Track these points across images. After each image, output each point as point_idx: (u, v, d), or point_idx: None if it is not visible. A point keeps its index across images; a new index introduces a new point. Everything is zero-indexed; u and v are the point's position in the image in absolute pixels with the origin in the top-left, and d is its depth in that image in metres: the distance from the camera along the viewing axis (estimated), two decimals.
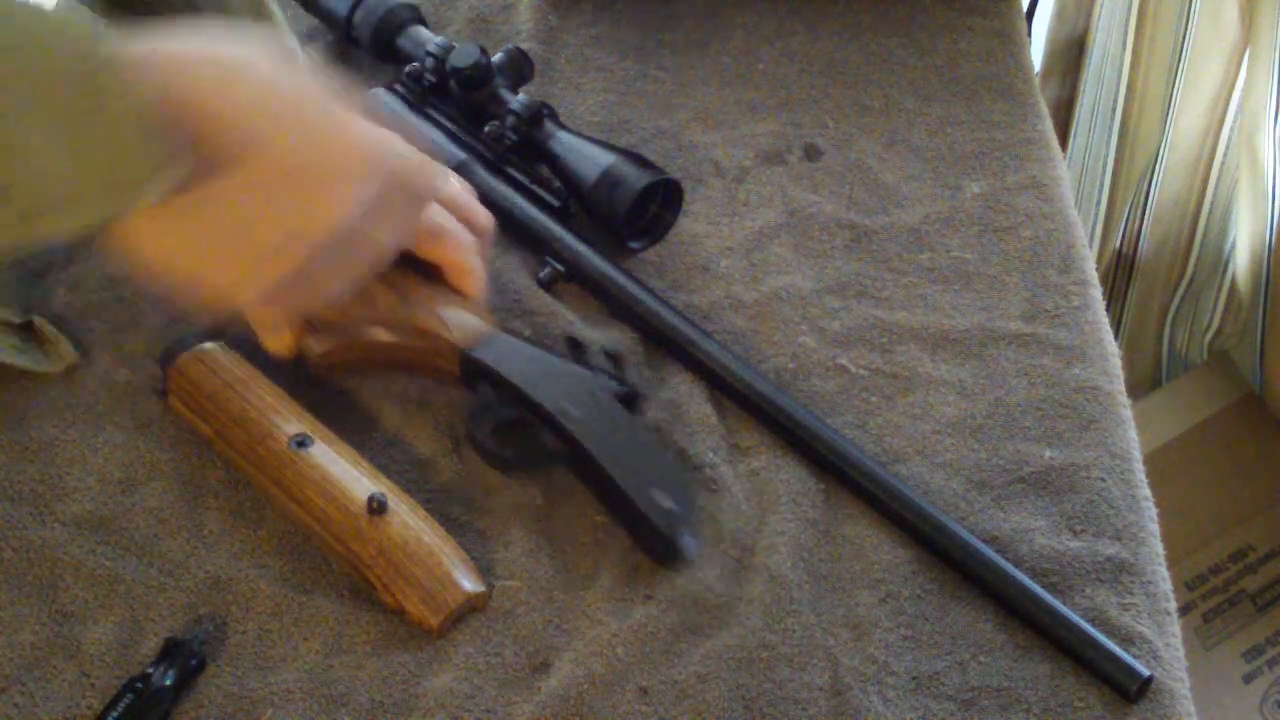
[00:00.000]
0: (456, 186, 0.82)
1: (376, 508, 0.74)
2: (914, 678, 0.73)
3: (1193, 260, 1.49)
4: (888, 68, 1.08)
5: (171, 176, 0.61)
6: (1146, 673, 0.72)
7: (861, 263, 0.94)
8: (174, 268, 0.67)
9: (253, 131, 0.64)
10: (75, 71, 0.56)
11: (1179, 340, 1.55)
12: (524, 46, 0.98)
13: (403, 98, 0.96)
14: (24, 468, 0.80)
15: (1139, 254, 1.50)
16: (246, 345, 0.82)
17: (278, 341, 0.80)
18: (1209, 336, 1.49)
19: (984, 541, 0.77)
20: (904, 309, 0.91)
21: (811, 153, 1.01)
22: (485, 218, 0.83)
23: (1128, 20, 1.37)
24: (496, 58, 0.94)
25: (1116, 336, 0.93)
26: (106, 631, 0.73)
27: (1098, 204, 1.51)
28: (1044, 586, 0.76)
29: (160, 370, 0.82)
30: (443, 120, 0.95)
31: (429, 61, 0.95)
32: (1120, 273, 1.54)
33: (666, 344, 0.86)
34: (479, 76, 0.93)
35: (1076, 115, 1.53)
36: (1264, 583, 1.43)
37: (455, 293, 0.82)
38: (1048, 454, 0.83)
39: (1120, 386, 0.88)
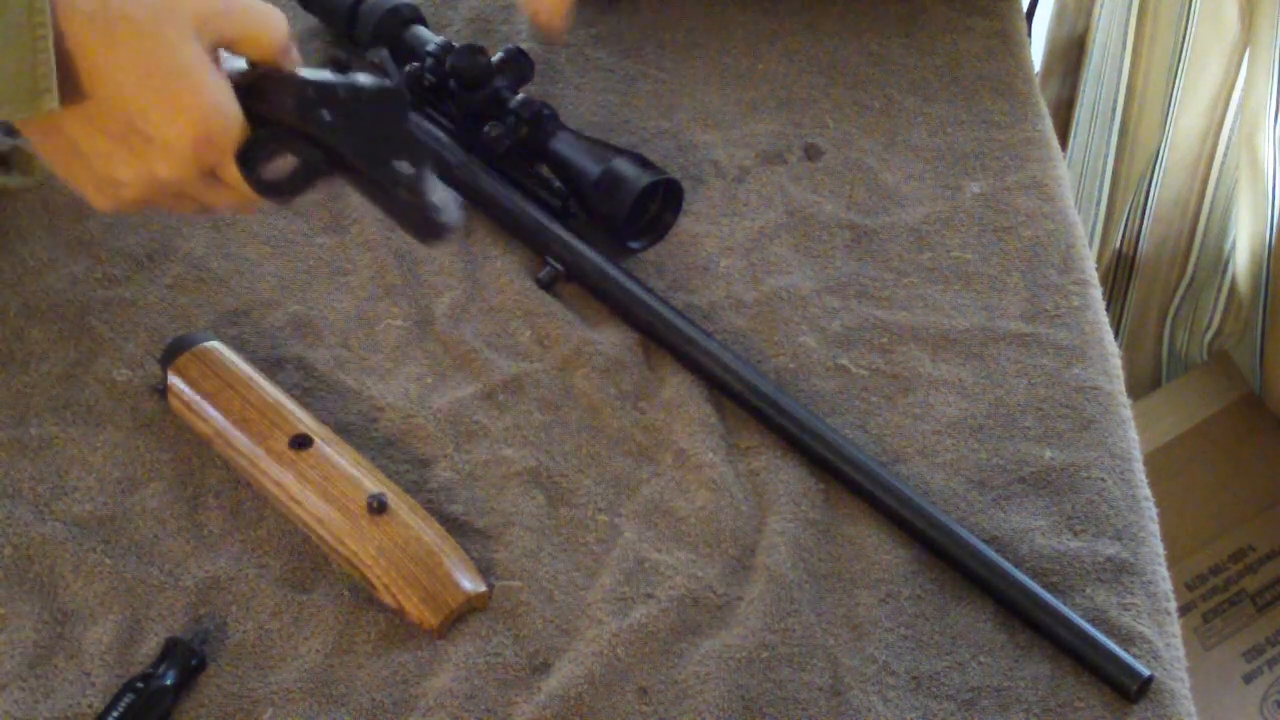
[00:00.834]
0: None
1: (376, 508, 0.75)
2: (914, 677, 0.73)
3: (1193, 260, 1.48)
4: (888, 68, 1.08)
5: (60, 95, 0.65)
6: (1147, 673, 0.72)
7: (861, 263, 0.94)
8: (57, 170, 0.72)
9: (98, 68, 0.67)
10: None
11: (1179, 340, 1.54)
12: (524, 46, 0.98)
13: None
14: (24, 466, 0.80)
15: (1139, 254, 1.50)
16: (247, 346, 0.82)
17: None
18: (1209, 336, 1.49)
19: (984, 541, 0.77)
20: (904, 309, 0.91)
21: (812, 153, 1.01)
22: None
23: (1128, 20, 1.37)
24: (496, 58, 0.94)
25: (1116, 336, 0.93)
26: (106, 631, 0.73)
27: (1098, 204, 1.51)
28: (1044, 586, 0.76)
29: (160, 370, 0.82)
30: (443, 120, 0.95)
31: (429, 61, 0.95)
32: (1120, 273, 1.54)
33: (667, 344, 0.86)
34: (479, 77, 0.93)
35: (1076, 115, 1.53)
36: (1264, 583, 1.43)
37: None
38: (1048, 454, 0.83)
39: (1120, 386, 0.88)
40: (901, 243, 0.95)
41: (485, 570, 0.76)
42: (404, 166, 0.74)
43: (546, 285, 0.89)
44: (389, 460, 0.81)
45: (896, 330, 0.90)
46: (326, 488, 0.76)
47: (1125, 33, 1.37)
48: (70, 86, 0.66)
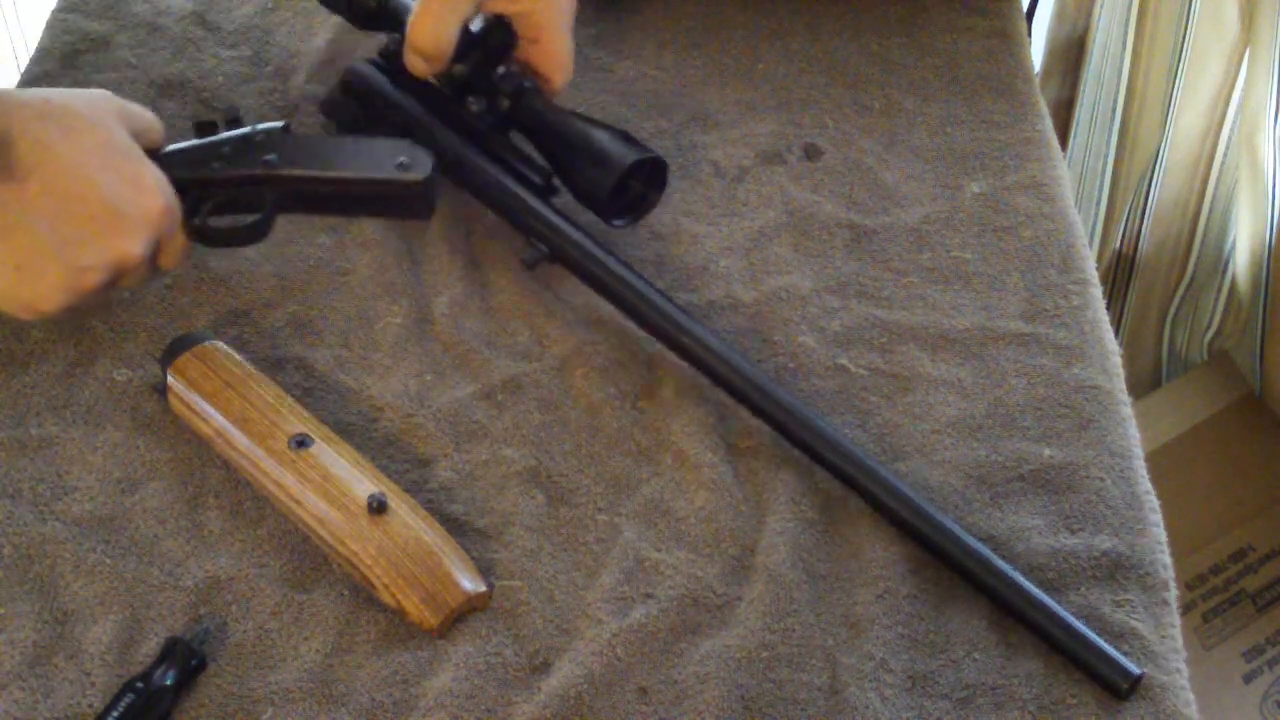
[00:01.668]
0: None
1: (376, 508, 0.75)
2: (910, 676, 0.73)
3: (1193, 260, 1.48)
4: (888, 68, 1.08)
5: None
6: (1137, 671, 0.72)
7: (861, 263, 0.94)
8: None
9: (60, 156, 0.75)
10: None
11: (1179, 340, 1.54)
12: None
13: (384, 70, 0.95)
14: (24, 466, 0.80)
15: (1139, 254, 1.50)
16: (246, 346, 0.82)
17: None
18: (1209, 336, 1.49)
19: (981, 540, 0.77)
20: (904, 309, 0.91)
21: (811, 152, 1.01)
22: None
23: (1128, 20, 1.37)
24: (477, 28, 0.91)
25: (1116, 336, 0.93)
26: (106, 631, 0.73)
27: (1098, 204, 1.51)
28: (1040, 584, 0.76)
29: (160, 370, 0.82)
30: (425, 94, 0.93)
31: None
32: (1120, 273, 1.53)
33: (651, 325, 0.85)
34: (460, 48, 0.90)
35: (1076, 115, 1.53)
36: (1264, 583, 1.43)
37: None
38: (1047, 453, 0.83)
39: (1120, 385, 0.88)
40: (901, 242, 0.95)
41: (485, 570, 0.76)
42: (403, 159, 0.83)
43: (531, 266, 0.88)
44: (389, 460, 0.81)
45: (896, 330, 0.90)
46: (326, 487, 0.76)
47: (1125, 33, 1.38)
48: (5, 171, 0.74)
